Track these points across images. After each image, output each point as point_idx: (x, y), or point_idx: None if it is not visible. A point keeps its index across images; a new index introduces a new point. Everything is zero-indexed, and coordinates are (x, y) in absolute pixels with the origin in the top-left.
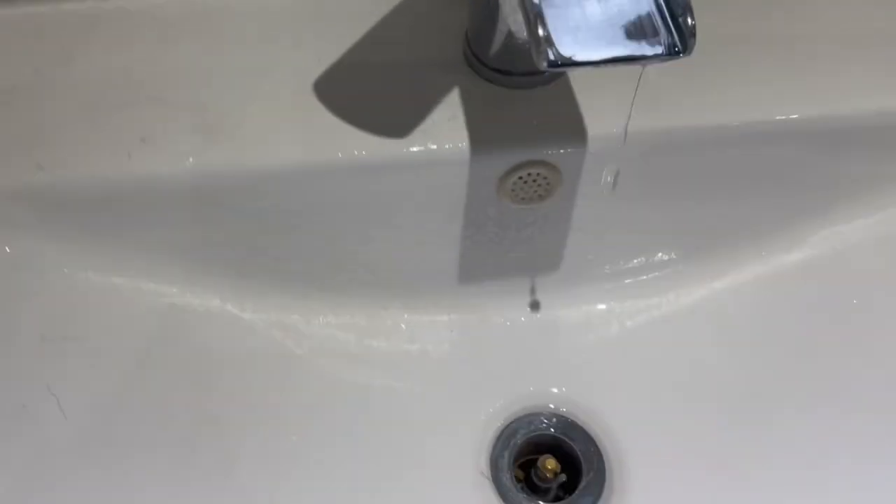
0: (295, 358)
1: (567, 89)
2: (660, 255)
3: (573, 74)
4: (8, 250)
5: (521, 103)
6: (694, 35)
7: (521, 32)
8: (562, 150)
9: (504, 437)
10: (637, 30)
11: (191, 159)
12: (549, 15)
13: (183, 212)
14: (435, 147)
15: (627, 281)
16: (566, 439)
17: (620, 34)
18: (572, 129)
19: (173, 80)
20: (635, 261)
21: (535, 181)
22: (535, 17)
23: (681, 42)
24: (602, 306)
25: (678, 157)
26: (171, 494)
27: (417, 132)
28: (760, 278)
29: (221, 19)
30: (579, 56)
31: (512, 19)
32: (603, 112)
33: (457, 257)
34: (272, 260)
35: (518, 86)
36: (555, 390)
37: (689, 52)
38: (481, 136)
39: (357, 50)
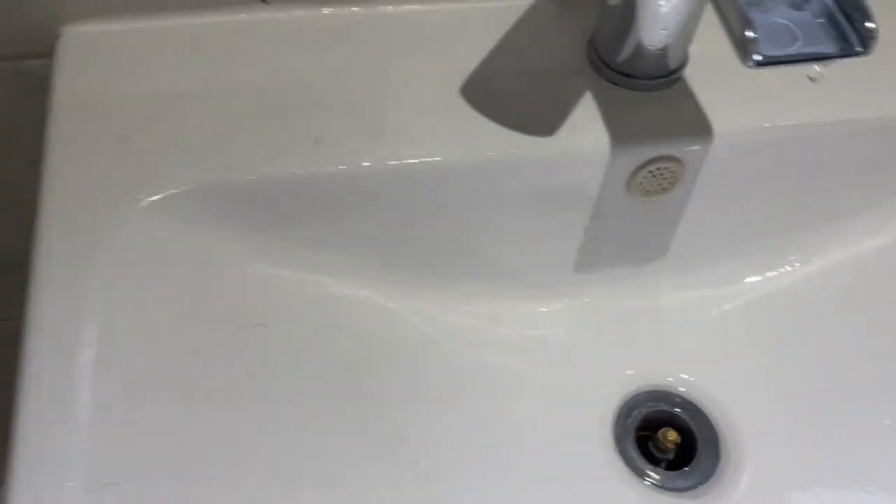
0: (433, 343)
1: (686, 91)
2: (765, 241)
3: (690, 78)
4: (196, 245)
5: (648, 104)
6: (875, 37)
7: (653, 41)
8: (689, 147)
9: (624, 412)
10: (823, 31)
11: (364, 158)
12: (754, 20)
13: (348, 207)
14: (580, 144)
15: (730, 266)
16: (680, 414)
17: (810, 34)
18: (698, 126)
19: (333, 85)
20: (740, 247)
21: (662, 175)
22: (743, 22)
23: (861, 42)
24: (709, 291)
25: (793, 150)
26: (349, 465)
27: (562, 131)
28: (864, 261)
29: (370, 30)
30: (780, 54)
31: (646, 29)
32: (722, 109)
33: (576, 247)
34: (414, 252)
35: (642, 88)
36: (665, 370)
37: (870, 52)
38: (618, 134)
39: (492, 58)
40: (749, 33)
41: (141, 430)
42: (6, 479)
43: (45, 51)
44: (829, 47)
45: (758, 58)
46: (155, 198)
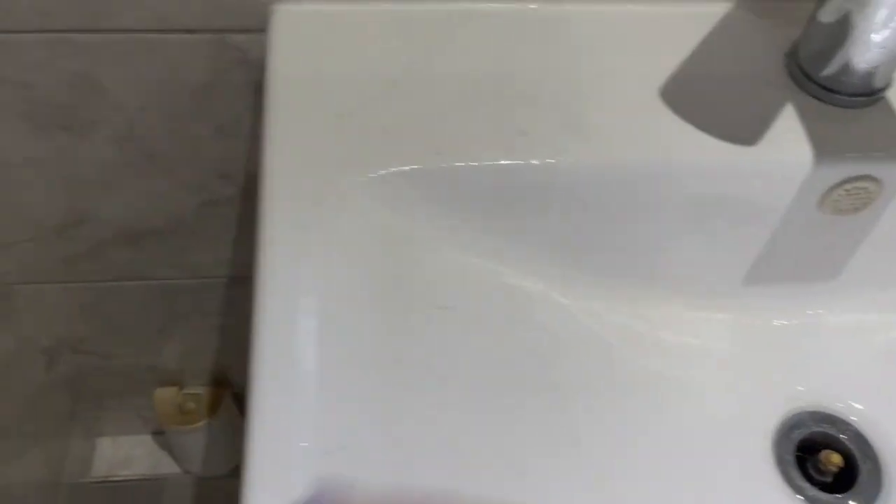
0: (602, 343)
1: (889, 110)
2: None
3: (893, 98)
4: (402, 223)
5: (849, 121)
6: None
7: (867, 60)
8: (889, 167)
9: (786, 429)
10: None
11: (566, 153)
12: None
13: (547, 201)
14: (779, 158)
15: None
16: (844, 439)
17: None
18: None
19: (534, 78)
20: None
21: (857, 194)
22: None
23: None
24: (885, 317)
25: None
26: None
27: (764, 141)
28: None
29: (570, 24)
30: None
31: (861, 48)
32: None
33: (752, 259)
34: (593, 252)
35: (844, 104)
36: (829, 392)
37: None
38: (817, 150)
39: (691, 62)
40: None
41: (359, 398)
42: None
43: (253, 26)
44: None
45: None
46: (373, 175)
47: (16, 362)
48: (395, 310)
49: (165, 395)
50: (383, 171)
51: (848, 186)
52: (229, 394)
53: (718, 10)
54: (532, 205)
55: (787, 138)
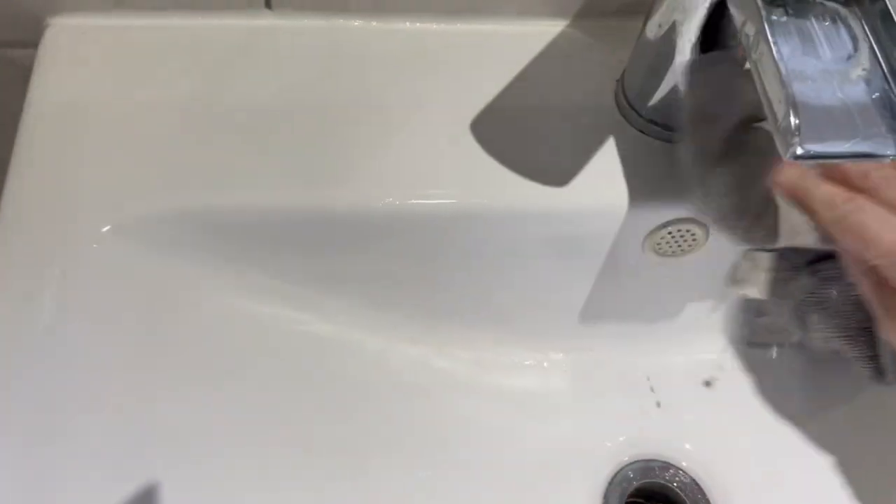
0: (420, 389)
1: None
2: None
3: None
4: (166, 274)
5: (674, 157)
6: None
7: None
8: None
9: (617, 480)
10: (881, 116)
11: (362, 193)
12: (799, 101)
13: (347, 244)
14: (594, 200)
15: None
16: (672, 486)
17: (860, 125)
18: None
19: (339, 106)
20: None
21: (682, 237)
22: (789, 104)
23: None
24: (709, 356)
25: None
26: None
27: (579, 182)
28: None
29: (390, 42)
30: (824, 150)
31: (680, 76)
32: None
33: (582, 301)
34: (407, 294)
35: (669, 139)
36: (665, 439)
37: None
38: (639, 190)
39: (512, 89)
40: (794, 120)
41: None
42: None
43: (33, 40)
44: (885, 147)
45: (799, 151)
46: (120, 221)
47: None
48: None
49: None
50: (138, 214)
51: (672, 229)
52: None
53: (552, 30)
54: (333, 248)
55: (607, 177)
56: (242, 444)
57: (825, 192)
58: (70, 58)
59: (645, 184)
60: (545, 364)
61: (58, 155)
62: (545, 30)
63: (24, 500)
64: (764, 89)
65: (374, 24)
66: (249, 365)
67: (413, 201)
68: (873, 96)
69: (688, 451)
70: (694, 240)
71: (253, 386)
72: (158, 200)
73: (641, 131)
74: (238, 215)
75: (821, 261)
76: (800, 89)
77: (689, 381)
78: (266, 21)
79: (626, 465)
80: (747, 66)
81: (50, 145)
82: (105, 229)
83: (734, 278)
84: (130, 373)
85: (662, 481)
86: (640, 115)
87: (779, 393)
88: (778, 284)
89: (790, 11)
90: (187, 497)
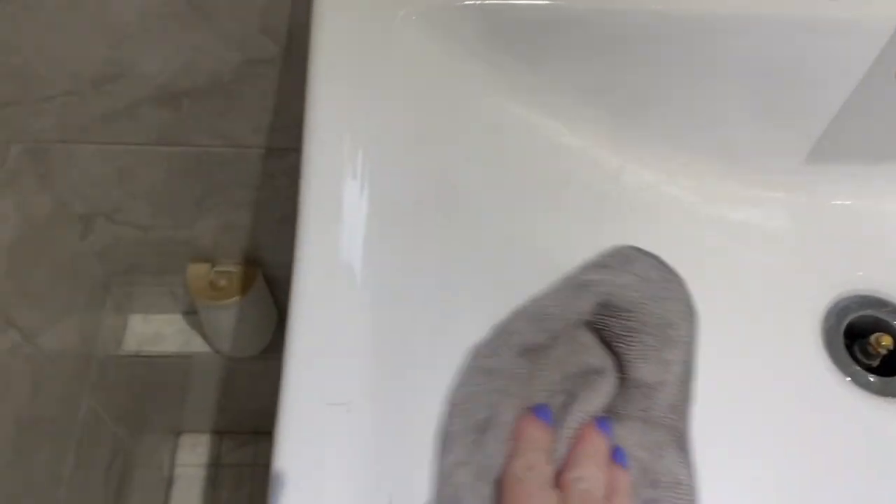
0: (652, 212)
1: None
2: None
3: None
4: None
5: None
6: None
7: None
8: None
9: (835, 313)
10: None
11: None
12: None
13: (599, 49)
14: (867, 11)
15: None
16: (892, 322)
17: None
18: None
19: None
20: None
21: None
22: None
23: None
24: None
25: None
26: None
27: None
28: None
29: None
30: None
31: None
32: None
33: (817, 134)
34: (645, 113)
35: None
36: (884, 276)
37: None
38: None
39: None
40: None
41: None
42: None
43: None
44: None
45: None
46: (426, 12)
47: (51, 227)
48: (446, 173)
49: (198, 270)
50: (437, 7)
51: None
52: (261, 274)
53: None
54: (583, 52)
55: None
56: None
57: None
58: None
59: None
60: (771, 198)
61: None
62: None
63: None
64: None
65: None
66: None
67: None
68: None
69: None
70: None
71: (495, 194)
72: None
73: None
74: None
75: None
76: None
77: None
78: None
79: (847, 299)
80: None
81: None
82: (405, 18)
83: None
84: (424, 149)
85: (882, 316)
86: None
87: None
88: None
89: None
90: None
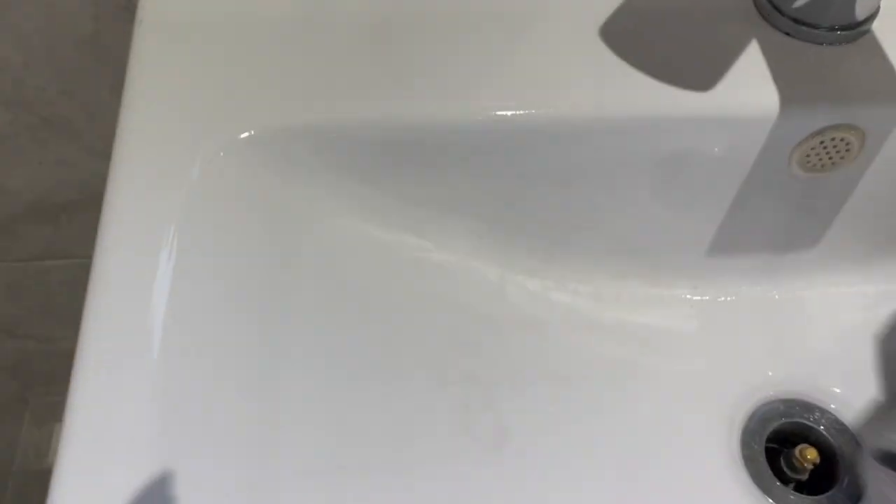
0: (541, 324)
1: (874, 47)
2: None
3: (879, 32)
4: (286, 193)
5: (826, 60)
6: None
7: None
8: (874, 114)
9: (754, 422)
10: None
11: (484, 106)
12: None
13: (470, 159)
14: (741, 104)
15: (887, 265)
16: (818, 428)
17: None
18: (886, 90)
19: (450, 13)
20: None
21: (835, 147)
22: None
23: None
24: (860, 289)
25: None
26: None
27: (723, 86)
28: None
29: None
30: None
31: None
32: None
33: (716, 227)
34: (526, 219)
35: (820, 40)
36: (805, 376)
37: None
38: (788, 95)
39: None
40: None
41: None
42: None
43: None
44: None
45: None
46: (243, 136)
47: None
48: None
49: None
50: (256, 131)
51: (824, 138)
52: None
53: None
54: (454, 164)
55: (752, 82)
56: (360, 371)
57: None
58: None
59: (796, 88)
60: (674, 298)
61: (168, 71)
62: None
63: None
64: None
65: None
66: (368, 289)
67: (541, 111)
68: None
69: (834, 392)
70: (847, 150)
71: (373, 312)
72: (288, 114)
73: (787, 33)
74: (366, 130)
75: None
76: None
77: (840, 318)
78: None
79: (767, 404)
80: None
81: (162, 65)
82: (228, 145)
83: None
84: (250, 294)
85: (807, 422)
86: (784, 16)
87: None
88: None
89: None
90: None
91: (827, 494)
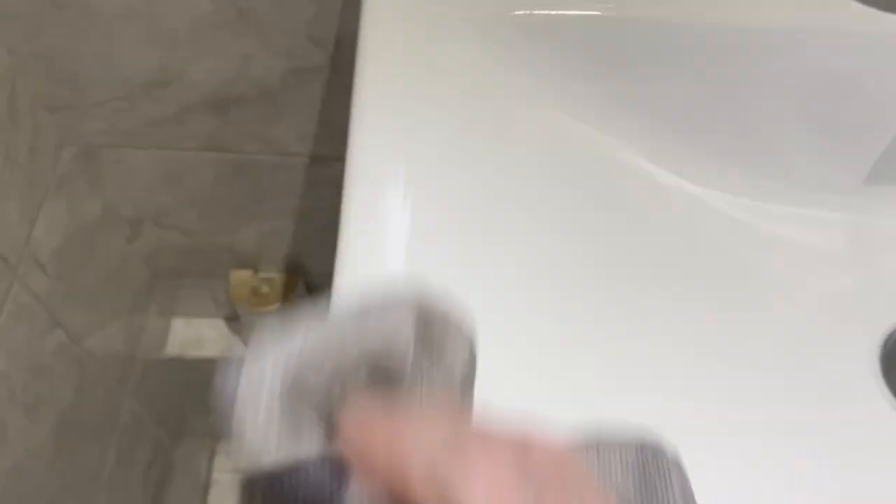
0: (702, 228)
1: None
2: None
3: None
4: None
5: None
6: None
7: None
8: None
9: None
10: None
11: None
12: None
13: (658, 63)
14: None
15: None
16: None
17: None
18: None
19: None
20: None
21: None
22: None
23: None
24: None
25: None
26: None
27: None
28: None
29: None
30: None
31: None
32: None
33: (876, 154)
34: (702, 129)
35: None
36: None
37: None
38: None
39: None
40: None
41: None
42: None
43: None
44: None
45: None
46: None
47: (100, 229)
48: (492, 185)
49: (240, 276)
50: (491, 18)
51: None
52: (302, 282)
53: None
54: (643, 66)
55: None
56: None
57: None
58: None
59: None
60: (828, 220)
61: None
62: None
63: None
64: None
65: None
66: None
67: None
68: None
69: None
70: None
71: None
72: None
73: None
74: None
75: None
76: None
77: None
78: None
79: None
80: None
81: None
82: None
83: None
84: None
85: None
86: None
87: None
88: None
89: None
90: None
91: None
